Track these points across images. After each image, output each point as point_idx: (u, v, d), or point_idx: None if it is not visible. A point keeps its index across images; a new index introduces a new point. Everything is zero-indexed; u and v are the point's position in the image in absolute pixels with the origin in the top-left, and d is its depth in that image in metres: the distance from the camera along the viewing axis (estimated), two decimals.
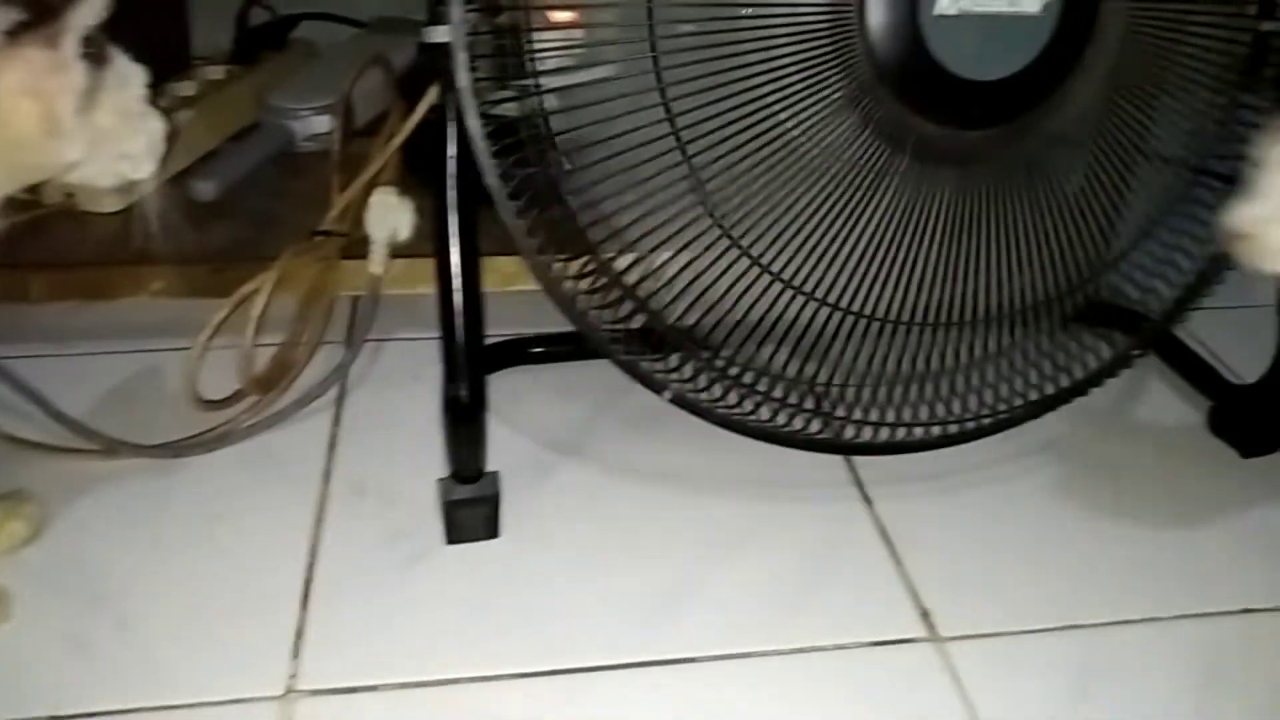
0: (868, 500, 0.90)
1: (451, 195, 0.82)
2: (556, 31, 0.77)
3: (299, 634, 0.76)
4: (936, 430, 0.88)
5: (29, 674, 0.72)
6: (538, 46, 0.77)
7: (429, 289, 1.07)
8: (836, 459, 0.93)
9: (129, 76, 0.66)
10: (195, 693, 0.71)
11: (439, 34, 0.77)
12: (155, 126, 0.69)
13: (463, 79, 0.76)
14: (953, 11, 0.74)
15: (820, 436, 0.88)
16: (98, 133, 0.63)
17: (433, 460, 0.88)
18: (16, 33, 0.57)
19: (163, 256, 1.08)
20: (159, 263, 1.08)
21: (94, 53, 0.61)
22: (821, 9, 0.74)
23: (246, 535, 0.85)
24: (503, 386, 0.84)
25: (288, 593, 0.79)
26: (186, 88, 1.34)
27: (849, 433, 0.88)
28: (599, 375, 0.96)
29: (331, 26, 1.56)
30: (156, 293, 1.08)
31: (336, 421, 0.99)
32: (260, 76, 1.40)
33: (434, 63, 0.80)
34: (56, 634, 0.75)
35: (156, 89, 1.34)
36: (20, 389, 0.88)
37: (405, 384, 1.05)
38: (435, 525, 0.86)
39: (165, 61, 1.41)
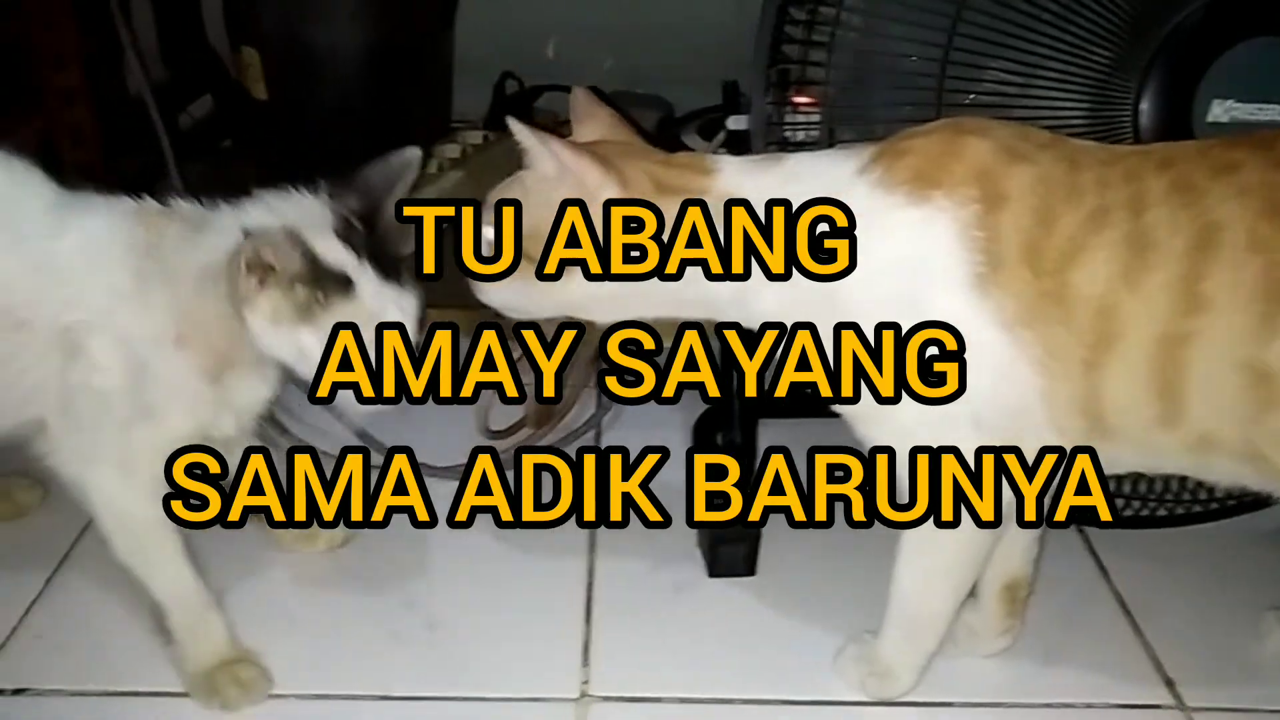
0: (1104, 571, 0.94)
1: None
2: None
3: (586, 646, 0.85)
4: (1181, 510, 0.92)
5: (360, 660, 0.84)
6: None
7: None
8: (1070, 529, 0.97)
9: None
10: (500, 689, 0.81)
11: (740, 122, 0.88)
12: None
13: None
14: (1225, 120, 0.80)
15: None
16: None
17: (680, 500, 0.97)
18: None
19: (444, 302, 1.21)
20: (442, 307, 1.20)
21: None
22: (1093, 113, 0.81)
23: (531, 553, 0.96)
24: None
25: (573, 609, 0.89)
26: (452, 150, 1.50)
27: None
28: (830, 431, 1.03)
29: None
30: None
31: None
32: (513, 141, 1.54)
33: (734, 148, 0.90)
34: (379, 628, 0.87)
35: (426, 151, 1.50)
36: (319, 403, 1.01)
37: (649, 428, 1.14)
38: (695, 559, 0.94)
39: (432, 126, 1.58)
